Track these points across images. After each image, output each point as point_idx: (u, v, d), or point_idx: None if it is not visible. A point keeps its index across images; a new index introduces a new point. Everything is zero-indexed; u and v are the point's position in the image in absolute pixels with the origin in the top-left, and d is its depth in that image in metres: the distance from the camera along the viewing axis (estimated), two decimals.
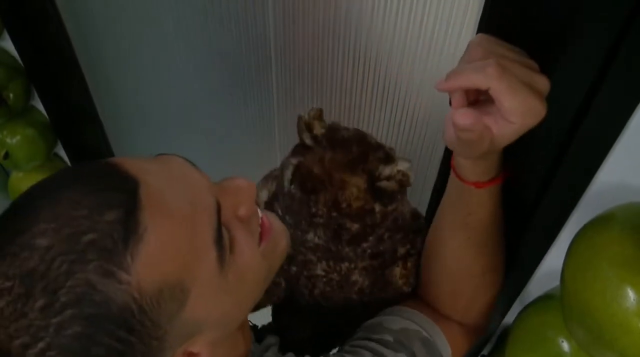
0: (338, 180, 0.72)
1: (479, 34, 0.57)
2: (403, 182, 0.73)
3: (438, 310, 0.81)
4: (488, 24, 0.66)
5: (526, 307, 0.71)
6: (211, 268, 0.53)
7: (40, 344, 0.44)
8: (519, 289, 0.75)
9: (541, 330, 0.66)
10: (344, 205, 0.72)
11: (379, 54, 0.97)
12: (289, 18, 1.03)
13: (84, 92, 1.51)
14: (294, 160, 0.76)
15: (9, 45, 1.50)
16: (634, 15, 0.49)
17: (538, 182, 0.67)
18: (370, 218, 0.75)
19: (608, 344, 0.48)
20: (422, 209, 0.93)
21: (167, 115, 1.53)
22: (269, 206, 0.85)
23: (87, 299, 0.45)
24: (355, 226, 0.75)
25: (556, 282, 0.57)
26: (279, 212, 0.81)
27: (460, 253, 0.74)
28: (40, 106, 1.63)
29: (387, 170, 0.72)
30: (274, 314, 0.98)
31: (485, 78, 0.52)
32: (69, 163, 1.79)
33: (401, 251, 0.83)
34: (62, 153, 1.78)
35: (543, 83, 0.54)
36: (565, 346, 0.63)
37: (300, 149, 0.77)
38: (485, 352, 0.89)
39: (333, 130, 0.77)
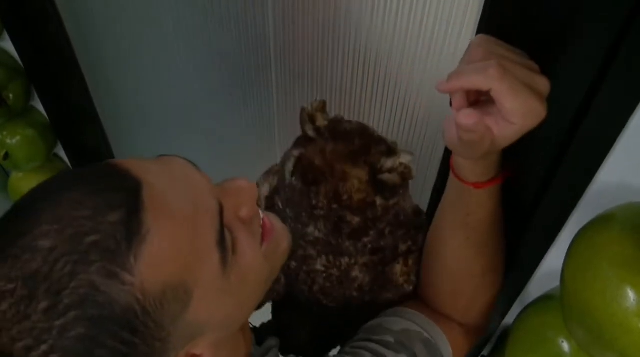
0: (339, 171, 0.72)
1: (480, 35, 0.57)
2: (405, 175, 0.72)
3: (438, 310, 0.81)
4: (488, 24, 0.66)
5: (526, 308, 0.71)
6: (214, 270, 0.53)
7: (44, 347, 0.44)
8: (519, 290, 0.74)
9: (541, 330, 0.66)
10: (344, 197, 0.72)
11: (379, 54, 0.97)
12: (289, 18, 1.03)
13: (84, 92, 1.51)
14: (296, 152, 0.75)
15: (9, 46, 1.50)
16: (634, 15, 0.49)
17: (538, 182, 0.67)
18: (371, 211, 0.74)
19: (608, 344, 0.48)
20: (422, 209, 0.92)
21: (167, 115, 1.54)
22: (270, 200, 0.85)
23: (91, 301, 0.45)
24: (356, 219, 0.75)
25: (556, 283, 0.57)
26: (280, 205, 0.81)
27: (460, 253, 0.74)
28: (40, 107, 1.63)
29: (389, 163, 0.72)
30: (274, 312, 0.98)
31: (487, 79, 0.52)
32: (69, 164, 1.79)
33: (402, 247, 0.82)
34: (62, 154, 1.78)
35: (544, 84, 0.54)
36: (566, 346, 0.63)
37: (302, 141, 0.77)
38: (485, 352, 0.89)
39: (336, 122, 0.77)
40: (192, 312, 0.51)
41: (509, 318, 0.78)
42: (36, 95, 1.60)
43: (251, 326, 0.83)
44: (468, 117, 0.54)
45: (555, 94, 0.55)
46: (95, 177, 0.50)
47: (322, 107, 0.77)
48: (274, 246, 0.63)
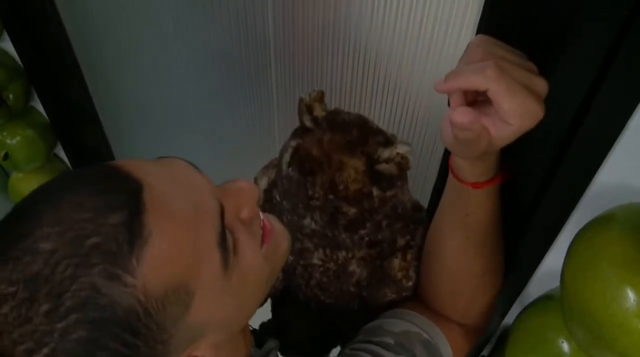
0: (336, 161, 0.72)
1: (479, 35, 0.57)
2: (402, 165, 0.72)
3: (438, 311, 0.81)
4: (488, 24, 0.66)
5: (526, 308, 0.71)
6: (215, 271, 0.53)
7: (45, 350, 0.44)
8: (518, 290, 0.74)
9: (541, 331, 0.66)
10: (341, 187, 0.72)
11: (379, 55, 0.97)
12: (289, 19, 1.03)
13: (84, 92, 1.51)
14: (293, 143, 0.75)
15: (8, 47, 1.50)
16: (634, 15, 0.49)
17: (538, 182, 0.67)
18: (367, 202, 0.74)
19: (608, 345, 0.48)
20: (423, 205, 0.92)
21: (167, 115, 1.54)
22: (267, 193, 0.85)
23: (92, 303, 0.44)
24: (352, 210, 0.74)
25: (556, 283, 0.57)
26: (277, 197, 0.80)
27: (459, 253, 0.74)
28: (40, 107, 1.63)
29: (386, 153, 0.71)
30: (273, 309, 0.98)
31: (484, 79, 0.52)
32: (68, 164, 1.79)
33: (401, 242, 0.82)
34: (62, 154, 1.78)
35: (541, 85, 0.54)
36: (565, 346, 0.63)
37: (299, 131, 0.77)
38: (485, 353, 0.89)
39: (334, 113, 0.76)
40: (193, 314, 0.51)
41: (509, 318, 0.78)
42: (36, 96, 1.60)
43: (251, 328, 0.83)
44: (463, 115, 0.54)
45: (555, 94, 0.55)
46: (96, 178, 0.49)
47: (320, 97, 0.77)
48: (274, 246, 0.63)
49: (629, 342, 0.46)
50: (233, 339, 0.64)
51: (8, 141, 1.59)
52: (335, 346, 0.95)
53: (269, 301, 0.97)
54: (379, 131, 0.75)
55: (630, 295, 0.45)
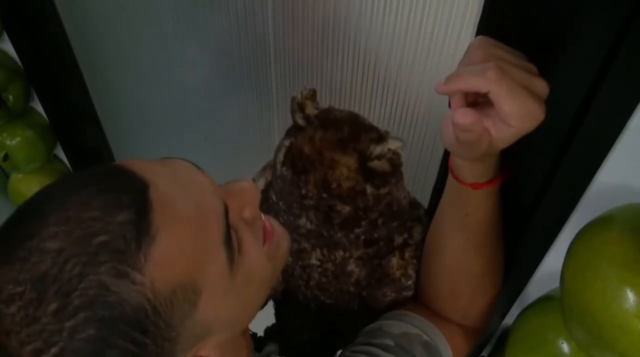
0: (328, 159, 0.71)
1: (479, 37, 0.57)
2: (394, 161, 0.71)
3: (438, 311, 0.81)
4: (488, 24, 0.66)
5: (526, 309, 0.71)
6: (221, 269, 0.53)
7: (53, 350, 0.44)
8: (518, 290, 0.74)
9: (541, 331, 0.66)
10: (333, 185, 0.71)
11: (379, 55, 0.97)
12: (289, 19, 1.03)
13: (84, 93, 1.52)
14: (287, 142, 0.75)
15: (8, 47, 1.50)
16: (634, 15, 0.49)
17: (538, 182, 0.67)
18: (361, 200, 0.73)
19: (608, 345, 0.48)
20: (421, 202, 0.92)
21: (167, 115, 1.54)
22: (265, 194, 0.85)
23: (101, 301, 0.44)
24: (346, 209, 0.74)
25: (556, 284, 0.57)
26: (274, 198, 0.80)
27: (459, 253, 0.73)
28: (39, 108, 1.63)
29: (377, 150, 0.71)
30: (275, 311, 0.98)
31: (485, 81, 0.52)
32: (68, 165, 1.79)
33: (398, 240, 0.82)
34: (62, 155, 1.78)
35: (542, 87, 0.54)
36: (565, 347, 0.63)
37: (292, 130, 0.76)
38: (485, 353, 0.89)
39: (326, 111, 0.76)
40: (200, 312, 0.51)
41: (509, 319, 0.77)
42: (36, 97, 1.60)
43: (250, 332, 0.83)
44: (464, 116, 0.54)
45: (555, 94, 0.55)
46: (102, 178, 0.49)
47: (312, 95, 0.77)
48: (275, 246, 0.63)
49: (629, 342, 0.46)
50: (235, 341, 0.64)
51: (8, 142, 1.59)
52: (337, 349, 0.95)
53: (271, 305, 0.97)
54: (371, 128, 0.74)
55: (630, 295, 0.45)
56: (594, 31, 0.55)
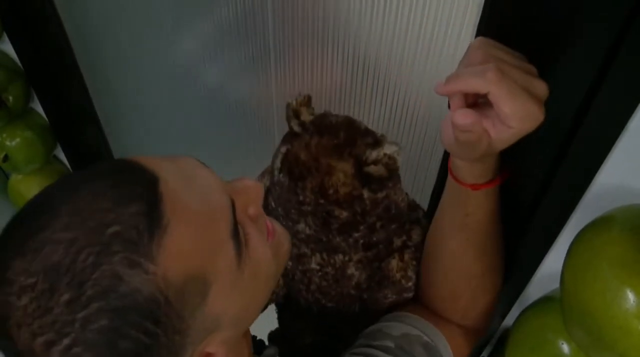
0: (324, 165, 0.71)
1: (479, 38, 0.57)
2: (390, 166, 0.71)
3: (438, 312, 0.81)
4: (488, 24, 0.66)
5: (526, 310, 0.71)
6: (230, 262, 0.53)
7: (66, 341, 0.43)
8: (518, 291, 0.74)
9: (541, 332, 0.66)
10: (330, 191, 0.72)
11: (379, 55, 0.97)
12: (289, 19, 1.03)
13: (84, 94, 1.52)
14: (283, 149, 0.75)
15: (8, 48, 1.50)
16: (634, 15, 0.49)
17: (538, 183, 0.67)
18: (359, 205, 0.74)
19: (608, 346, 0.48)
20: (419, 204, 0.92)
21: (167, 116, 1.54)
22: (263, 200, 0.85)
23: (114, 291, 0.44)
24: (344, 214, 0.74)
25: (556, 285, 0.57)
26: (272, 204, 0.81)
27: (459, 254, 0.73)
28: (39, 108, 1.63)
29: (373, 154, 0.71)
30: (278, 318, 0.98)
31: (485, 83, 0.52)
32: (68, 166, 1.79)
33: (397, 242, 0.82)
34: (62, 156, 1.78)
35: (542, 88, 0.54)
36: (565, 348, 0.63)
37: (288, 137, 0.77)
38: (485, 354, 0.89)
39: (322, 116, 0.76)
40: (209, 305, 0.52)
41: (509, 320, 0.77)
42: (35, 97, 1.60)
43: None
44: (464, 116, 0.54)
45: (555, 95, 0.55)
46: (112, 171, 0.50)
47: (307, 101, 0.77)
48: (277, 245, 0.63)
49: (629, 343, 0.46)
50: (238, 342, 0.64)
51: (8, 143, 1.59)
52: (339, 352, 0.95)
53: (274, 310, 0.97)
54: (367, 132, 0.75)
55: (630, 296, 0.45)
56: (594, 31, 0.55)
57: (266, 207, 0.83)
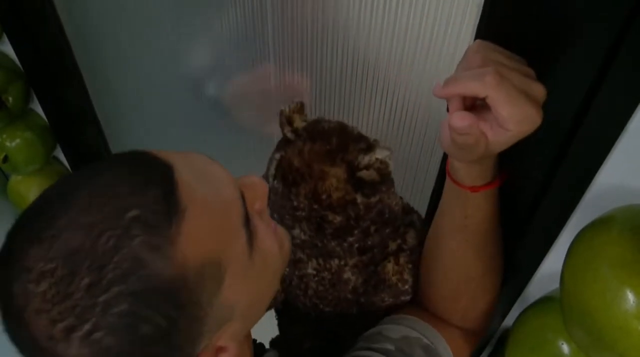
0: (317, 171, 0.72)
1: (477, 41, 0.57)
2: (382, 170, 0.72)
3: (437, 314, 0.81)
4: (488, 24, 0.66)
5: (526, 310, 0.71)
6: (242, 250, 0.54)
7: (86, 326, 0.43)
8: (518, 291, 0.74)
9: (541, 332, 0.66)
10: (324, 196, 0.72)
11: (379, 55, 0.97)
12: (288, 19, 1.03)
13: (83, 94, 1.51)
14: (277, 155, 0.76)
15: (8, 49, 1.50)
16: (634, 15, 0.49)
17: (538, 183, 0.67)
18: (352, 210, 0.74)
19: (608, 346, 0.48)
20: (422, 210, 0.92)
21: (167, 117, 1.53)
22: None
23: (135, 274, 0.44)
24: (337, 218, 0.74)
25: (556, 285, 0.57)
26: (268, 211, 0.81)
27: (458, 255, 0.73)
28: (39, 109, 1.63)
29: (365, 159, 0.72)
30: (278, 324, 0.98)
31: (483, 86, 0.52)
32: (68, 167, 1.78)
33: (392, 246, 0.82)
34: (62, 157, 1.77)
35: (540, 91, 0.54)
36: (565, 348, 0.63)
37: (282, 143, 0.77)
38: (485, 354, 0.89)
39: (314, 123, 0.77)
40: (224, 293, 0.52)
41: (509, 320, 0.77)
42: (35, 98, 1.60)
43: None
44: (461, 119, 0.55)
45: (555, 95, 0.55)
46: (127, 160, 0.51)
47: (300, 108, 0.78)
48: (280, 241, 0.64)
49: (629, 343, 0.46)
50: (242, 344, 0.64)
51: (7, 144, 1.59)
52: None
53: (274, 317, 0.98)
54: (360, 137, 0.75)
55: (630, 296, 0.45)
56: (594, 31, 0.55)
57: None
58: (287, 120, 0.77)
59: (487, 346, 0.87)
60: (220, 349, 0.56)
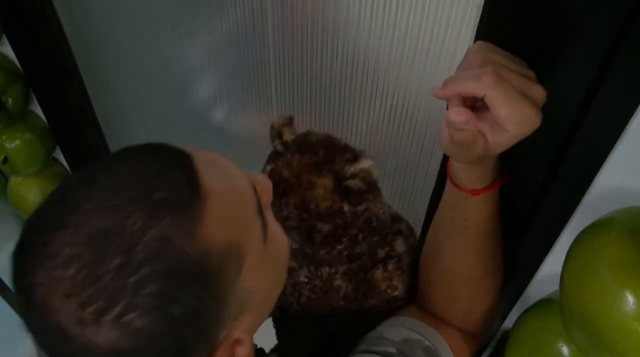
0: (306, 181, 0.74)
1: (478, 42, 0.58)
2: (366, 179, 0.74)
3: (437, 316, 0.81)
4: (488, 24, 0.66)
5: (525, 312, 0.71)
6: (258, 237, 0.55)
7: (117, 308, 0.43)
8: (518, 293, 0.74)
9: (540, 334, 0.66)
10: (312, 205, 0.74)
11: (378, 55, 0.97)
12: (288, 19, 1.03)
13: (83, 96, 1.51)
14: (268, 168, 0.79)
15: (7, 50, 1.50)
16: (634, 15, 0.49)
17: (537, 185, 0.67)
18: (340, 218, 0.76)
19: (608, 348, 0.48)
20: (422, 211, 0.92)
21: (167, 118, 1.54)
22: None
23: (164, 254, 0.45)
24: (326, 227, 0.76)
25: (555, 287, 0.57)
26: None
27: (458, 257, 0.73)
28: (39, 111, 1.63)
29: (350, 169, 0.74)
30: (277, 334, 0.99)
31: (481, 86, 0.52)
32: (68, 168, 1.79)
33: (380, 253, 0.83)
34: (61, 158, 1.77)
35: (539, 93, 0.54)
36: (565, 350, 0.63)
37: (272, 156, 0.80)
38: (484, 356, 0.89)
39: (303, 136, 0.80)
40: (244, 278, 0.53)
41: (508, 322, 0.77)
42: (35, 99, 1.60)
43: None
44: (458, 114, 0.55)
45: (555, 96, 0.55)
46: (146, 148, 0.51)
47: (289, 122, 0.81)
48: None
49: (629, 345, 0.46)
50: (251, 341, 0.64)
51: (7, 145, 1.59)
52: None
53: (271, 326, 0.98)
54: (346, 148, 0.78)
55: (630, 299, 0.45)
56: (594, 31, 0.55)
57: None
58: (276, 134, 0.80)
59: (487, 347, 0.87)
60: (237, 342, 0.56)
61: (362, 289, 0.84)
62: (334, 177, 0.75)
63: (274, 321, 0.97)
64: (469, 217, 0.69)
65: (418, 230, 0.97)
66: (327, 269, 0.83)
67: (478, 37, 0.68)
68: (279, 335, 0.98)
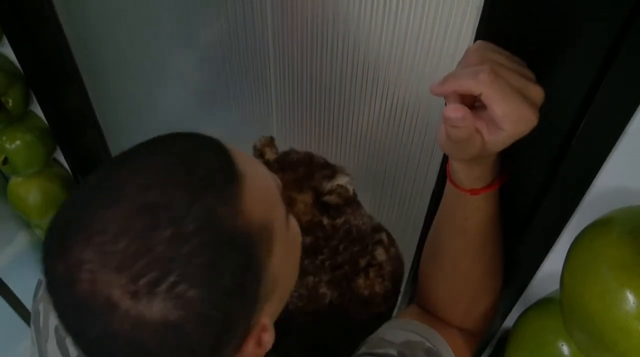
0: (286, 198, 0.77)
1: (478, 41, 0.58)
2: (342, 195, 0.80)
3: (438, 316, 0.81)
4: (488, 24, 0.66)
5: (526, 311, 0.71)
6: (282, 223, 0.56)
7: (171, 278, 0.44)
8: (518, 293, 0.74)
9: (541, 334, 0.66)
10: None
11: (378, 55, 0.97)
12: (288, 19, 1.03)
13: (83, 97, 1.51)
14: None
15: (8, 51, 1.50)
16: (634, 15, 0.49)
17: (538, 185, 0.67)
18: (320, 231, 0.81)
19: (608, 348, 0.48)
20: (422, 212, 0.92)
21: (166, 119, 1.54)
22: None
23: (212, 226, 0.46)
24: (307, 239, 0.80)
25: (556, 286, 0.57)
26: None
27: (458, 257, 0.73)
28: (39, 112, 1.63)
29: (328, 186, 0.79)
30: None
31: (477, 83, 0.53)
32: (68, 169, 1.78)
33: (362, 262, 0.86)
34: (62, 159, 1.77)
35: (537, 92, 0.54)
36: (565, 349, 0.63)
37: None
38: (485, 355, 0.89)
39: (284, 155, 0.85)
40: (273, 261, 0.53)
41: (509, 321, 0.77)
42: (35, 100, 1.60)
43: None
44: (454, 110, 0.55)
45: (555, 96, 0.55)
46: (178, 134, 0.53)
47: (270, 142, 0.86)
48: None
49: (629, 344, 0.46)
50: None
51: (7, 146, 1.58)
52: None
53: None
54: (325, 165, 0.82)
55: (630, 298, 0.45)
56: (594, 31, 0.55)
57: None
58: (259, 154, 0.85)
59: (487, 347, 0.87)
60: (263, 328, 0.56)
61: (347, 296, 0.87)
62: (313, 193, 0.79)
63: None
64: (468, 217, 0.69)
65: (418, 230, 0.97)
66: (311, 278, 0.85)
67: (478, 37, 0.68)
68: (274, 345, 0.99)
